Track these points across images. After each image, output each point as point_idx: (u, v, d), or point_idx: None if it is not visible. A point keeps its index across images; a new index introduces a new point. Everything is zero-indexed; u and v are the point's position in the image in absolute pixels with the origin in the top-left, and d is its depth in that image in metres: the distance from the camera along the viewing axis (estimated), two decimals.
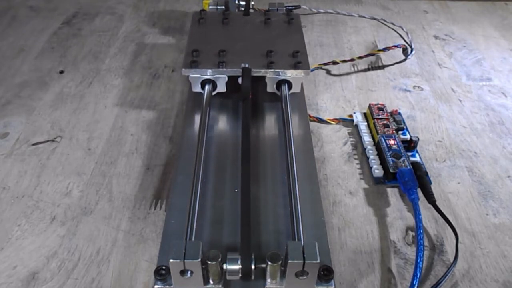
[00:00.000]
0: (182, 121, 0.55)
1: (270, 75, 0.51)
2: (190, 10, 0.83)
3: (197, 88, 0.52)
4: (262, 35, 0.57)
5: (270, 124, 0.52)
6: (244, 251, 0.35)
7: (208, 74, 0.51)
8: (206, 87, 0.51)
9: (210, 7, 0.67)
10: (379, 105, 0.57)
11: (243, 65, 0.51)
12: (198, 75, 0.51)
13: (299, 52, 0.53)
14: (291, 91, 0.52)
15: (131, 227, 0.44)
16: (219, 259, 0.34)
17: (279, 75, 0.51)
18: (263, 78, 0.52)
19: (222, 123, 0.52)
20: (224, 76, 0.51)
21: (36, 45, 0.72)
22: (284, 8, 0.68)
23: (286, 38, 0.57)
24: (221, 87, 0.52)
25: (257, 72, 0.51)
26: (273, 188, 0.46)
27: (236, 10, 0.68)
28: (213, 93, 0.52)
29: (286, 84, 0.52)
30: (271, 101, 0.55)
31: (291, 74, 0.51)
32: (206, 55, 0.53)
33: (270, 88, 0.53)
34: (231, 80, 0.52)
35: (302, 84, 0.54)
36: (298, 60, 0.52)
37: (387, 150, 0.51)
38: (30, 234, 0.44)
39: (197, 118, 0.51)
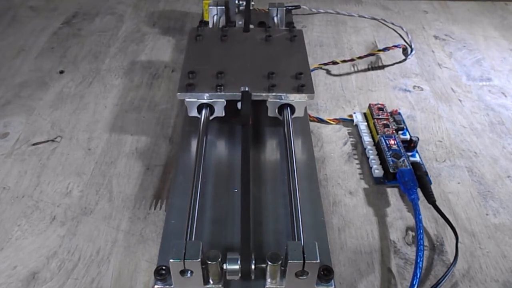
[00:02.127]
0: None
1: (272, 99, 0.48)
2: (190, 10, 0.83)
3: (193, 113, 0.49)
4: (263, 54, 0.54)
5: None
6: (244, 251, 0.35)
7: (205, 98, 0.48)
8: (203, 111, 0.48)
9: (210, 7, 0.67)
10: (379, 105, 0.57)
11: (242, 89, 0.48)
12: (195, 99, 0.48)
13: (303, 74, 0.49)
14: (294, 115, 0.49)
15: (131, 227, 0.44)
16: (219, 259, 0.34)
17: (281, 99, 0.48)
18: (264, 101, 0.49)
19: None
20: (223, 100, 0.48)
21: (36, 45, 0.72)
22: (284, 8, 0.68)
23: (288, 57, 0.53)
24: (219, 112, 0.49)
25: (257, 96, 0.48)
26: (273, 189, 0.46)
27: (236, 10, 0.68)
28: (211, 118, 0.49)
29: (288, 108, 0.49)
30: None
31: (294, 98, 0.48)
32: (203, 77, 0.49)
33: (272, 112, 0.49)
34: (230, 104, 0.49)
35: (306, 108, 0.51)
36: (302, 83, 0.48)
37: (387, 150, 0.51)
38: (30, 234, 0.44)
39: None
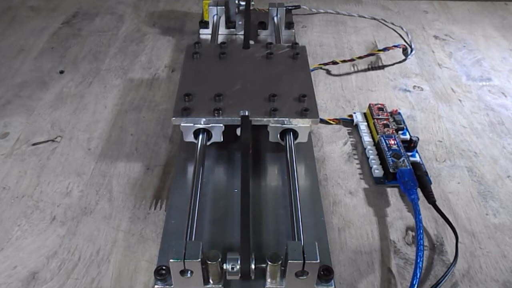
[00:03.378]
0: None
1: (273, 124, 0.45)
2: (190, 10, 0.83)
3: (189, 138, 0.46)
4: (264, 74, 0.51)
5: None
6: (243, 251, 0.35)
7: (202, 123, 0.45)
8: (200, 136, 0.45)
9: (210, 7, 0.67)
10: (379, 105, 0.57)
11: (242, 113, 0.45)
12: (191, 124, 0.45)
13: (306, 96, 0.47)
14: (297, 141, 0.46)
15: (131, 227, 0.44)
16: (219, 259, 0.34)
17: (283, 124, 0.45)
18: (265, 125, 0.46)
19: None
20: (221, 125, 0.45)
21: (36, 45, 0.72)
22: (284, 8, 0.68)
23: (291, 77, 0.50)
24: (217, 137, 0.46)
25: (258, 121, 0.45)
26: (273, 189, 0.46)
27: (236, 10, 0.68)
28: (208, 143, 0.46)
29: (291, 134, 0.46)
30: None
31: (297, 123, 0.45)
32: (200, 100, 0.46)
33: (273, 138, 0.46)
34: (229, 128, 0.46)
35: (310, 133, 0.48)
36: (305, 107, 0.45)
37: (387, 150, 0.51)
38: (30, 234, 0.44)
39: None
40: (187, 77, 0.50)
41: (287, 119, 0.45)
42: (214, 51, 0.54)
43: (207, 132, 0.46)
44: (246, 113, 0.45)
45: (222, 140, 0.46)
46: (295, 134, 0.46)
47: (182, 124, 0.45)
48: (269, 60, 0.53)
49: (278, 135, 0.46)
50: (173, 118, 0.45)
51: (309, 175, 0.47)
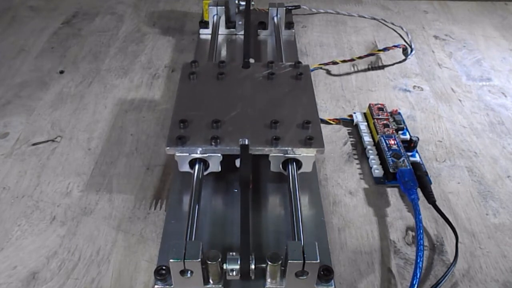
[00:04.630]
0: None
1: (275, 153, 0.42)
2: (190, 10, 0.83)
3: (185, 168, 0.43)
4: (265, 97, 0.47)
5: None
6: (243, 251, 0.35)
7: (199, 153, 0.42)
8: (196, 166, 0.42)
9: (210, 7, 0.67)
10: (379, 105, 0.57)
11: (241, 141, 0.42)
12: (186, 154, 0.42)
13: (311, 123, 0.43)
14: (301, 170, 0.43)
15: (131, 227, 0.44)
16: (219, 259, 0.34)
17: (286, 154, 0.42)
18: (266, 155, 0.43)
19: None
20: (218, 155, 0.42)
21: (36, 45, 0.72)
22: (284, 8, 0.68)
23: (294, 101, 0.47)
24: (215, 167, 0.43)
25: (258, 150, 0.42)
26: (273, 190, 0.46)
27: (236, 10, 0.68)
28: (205, 173, 0.43)
29: (294, 163, 0.43)
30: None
31: (300, 153, 0.42)
32: (196, 127, 0.43)
33: (275, 167, 0.43)
34: (228, 156, 0.42)
35: (314, 163, 0.44)
36: (310, 135, 0.42)
37: (387, 150, 0.51)
38: (30, 234, 0.44)
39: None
40: (182, 100, 0.47)
41: (290, 148, 0.42)
42: (212, 71, 0.51)
43: (204, 161, 0.43)
44: (246, 142, 0.42)
45: (220, 170, 0.43)
46: (299, 163, 0.43)
47: (177, 154, 0.42)
48: (271, 81, 0.50)
49: (281, 165, 0.43)
50: (167, 148, 0.42)
51: (309, 175, 0.47)
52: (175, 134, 0.42)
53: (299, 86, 0.49)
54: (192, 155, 0.42)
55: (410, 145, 0.52)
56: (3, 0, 0.84)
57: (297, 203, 0.40)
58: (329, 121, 0.58)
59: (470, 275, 0.41)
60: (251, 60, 0.53)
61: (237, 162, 0.42)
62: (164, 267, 0.36)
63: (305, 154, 0.42)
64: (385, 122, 0.55)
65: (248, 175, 0.40)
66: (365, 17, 0.81)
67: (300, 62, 0.52)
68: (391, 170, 0.49)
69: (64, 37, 0.74)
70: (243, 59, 0.53)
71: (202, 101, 0.47)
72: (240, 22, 0.69)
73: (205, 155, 0.42)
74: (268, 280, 0.36)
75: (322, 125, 0.57)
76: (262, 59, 0.65)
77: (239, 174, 0.40)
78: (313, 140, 0.42)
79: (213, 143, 0.42)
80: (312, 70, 0.67)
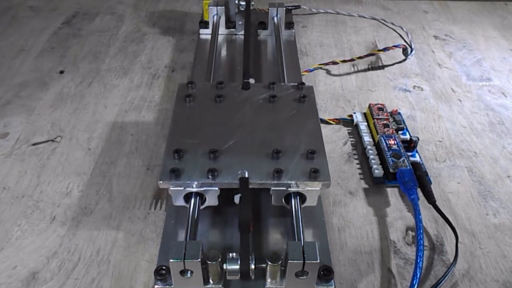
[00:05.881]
0: (166, 208, 0.44)
1: (277, 187, 0.39)
2: (190, 10, 0.83)
3: (179, 202, 0.40)
4: (266, 123, 0.44)
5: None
6: (243, 252, 0.35)
7: (195, 187, 0.39)
8: (192, 200, 0.39)
9: (210, 7, 0.67)
10: (379, 105, 0.57)
11: (240, 174, 0.39)
12: (181, 188, 0.39)
13: (316, 153, 0.40)
14: (305, 204, 0.40)
15: (131, 227, 0.44)
16: (219, 259, 0.34)
17: (289, 188, 0.39)
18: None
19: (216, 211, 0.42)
20: (216, 189, 0.39)
21: (36, 45, 0.72)
22: (284, 8, 0.68)
23: (297, 127, 0.44)
24: (212, 201, 0.40)
25: (259, 184, 0.39)
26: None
27: (236, 10, 0.68)
28: (202, 207, 0.40)
29: (298, 198, 0.40)
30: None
31: (304, 187, 0.39)
32: (192, 158, 0.40)
33: (277, 201, 0.40)
34: (226, 189, 0.39)
35: (320, 196, 0.41)
36: (315, 167, 0.39)
37: (387, 150, 0.51)
38: (30, 234, 0.44)
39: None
40: (177, 127, 0.43)
41: (293, 182, 0.39)
42: (209, 93, 0.47)
43: (200, 195, 0.39)
44: (246, 175, 0.38)
45: (217, 203, 0.40)
46: (302, 197, 0.40)
47: (171, 188, 0.39)
48: (272, 104, 0.46)
49: (283, 199, 0.40)
50: (161, 182, 0.38)
51: None
52: (169, 166, 0.39)
53: (303, 110, 0.46)
54: (188, 189, 0.39)
55: (410, 145, 0.52)
56: (3, 0, 0.84)
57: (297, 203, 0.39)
58: (329, 121, 0.58)
59: (470, 275, 0.41)
60: (251, 80, 0.50)
61: (236, 199, 0.38)
62: (164, 267, 0.36)
63: (309, 188, 0.39)
64: (385, 122, 0.55)
65: (248, 220, 0.36)
66: (365, 17, 0.81)
67: (303, 83, 0.49)
68: (391, 170, 0.49)
69: (64, 37, 0.74)
70: (243, 79, 0.50)
71: (198, 127, 0.43)
72: (240, 22, 0.69)
73: (201, 189, 0.39)
74: (268, 280, 0.36)
75: (322, 125, 0.57)
76: (262, 60, 0.65)
77: (238, 213, 0.37)
78: (318, 173, 0.39)
79: (210, 176, 0.38)
80: (312, 70, 0.67)
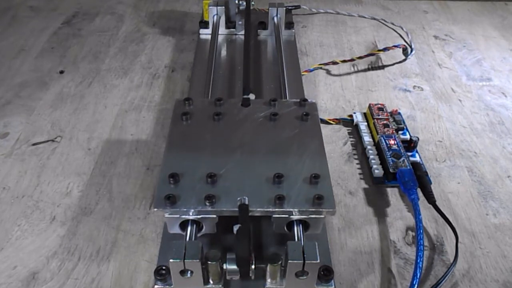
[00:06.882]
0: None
1: (279, 214, 0.37)
2: (190, 10, 0.83)
3: (175, 230, 0.38)
4: (267, 144, 0.42)
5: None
6: (243, 251, 0.35)
7: (191, 214, 0.36)
8: (188, 228, 0.37)
9: (210, 7, 0.67)
10: (379, 105, 0.57)
11: (240, 201, 0.36)
12: (177, 216, 0.36)
13: (320, 178, 0.38)
14: (309, 232, 0.38)
15: (131, 227, 0.44)
16: (219, 259, 0.34)
17: (291, 215, 0.37)
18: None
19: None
20: (214, 216, 0.37)
21: (36, 45, 0.72)
22: (284, 8, 0.68)
23: (300, 149, 0.41)
24: (209, 228, 0.37)
25: (260, 211, 0.36)
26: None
27: (236, 10, 0.68)
28: (199, 235, 0.38)
29: (301, 225, 0.37)
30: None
31: (307, 214, 0.36)
32: (188, 183, 0.38)
33: (278, 228, 0.38)
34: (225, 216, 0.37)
35: (324, 224, 0.39)
36: (319, 194, 0.36)
37: (387, 150, 0.51)
38: (30, 234, 0.44)
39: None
40: (173, 149, 0.41)
41: (295, 209, 0.36)
42: (207, 110, 0.45)
43: (197, 223, 0.37)
44: (246, 201, 0.36)
45: (215, 231, 0.38)
46: (306, 224, 0.37)
47: (166, 216, 0.36)
48: (273, 123, 0.44)
49: (285, 226, 0.38)
50: (155, 209, 0.36)
51: None
52: (163, 192, 0.36)
53: (306, 129, 0.44)
54: (184, 216, 0.36)
55: (410, 145, 0.52)
56: (3, 0, 0.84)
57: None
58: (329, 121, 0.58)
59: (470, 275, 0.41)
60: (251, 96, 0.48)
61: (235, 229, 0.35)
62: (164, 267, 0.36)
63: (313, 215, 0.37)
64: (385, 122, 0.55)
65: (248, 257, 0.34)
66: (365, 17, 0.81)
67: (306, 100, 0.46)
68: (391, 170, 0.49)
69: (64, 37, 0.74)
70: (243, 94, 0.48)
71: (195, 149, 0.41)
72: (240, 22, 0.69)
73: (198, 216, 0.37)
74: (268, 280, 0.36)
75: (322, 125, 0.57)
76: (262, 60, 0.65)
77: (235, 247, 0.35)
78: (322, 200, 0.36)
79: (207, 203, 0.36)
80: (312, 70, 0.67)
